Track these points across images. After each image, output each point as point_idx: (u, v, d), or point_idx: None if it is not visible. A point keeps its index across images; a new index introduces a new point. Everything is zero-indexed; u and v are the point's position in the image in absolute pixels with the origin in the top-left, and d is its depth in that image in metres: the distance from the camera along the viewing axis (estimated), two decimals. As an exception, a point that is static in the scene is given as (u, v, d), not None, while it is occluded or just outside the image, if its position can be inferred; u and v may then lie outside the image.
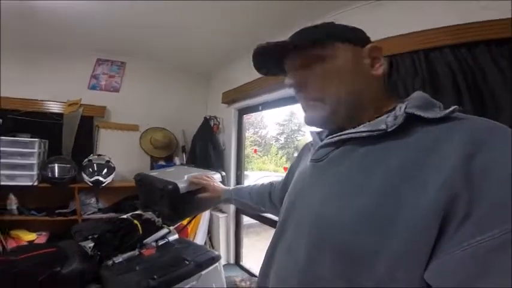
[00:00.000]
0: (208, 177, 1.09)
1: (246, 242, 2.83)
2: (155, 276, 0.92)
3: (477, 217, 0.32)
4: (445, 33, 1.12)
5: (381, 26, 1.34)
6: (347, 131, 0.50)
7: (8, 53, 2.35)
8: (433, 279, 0.35)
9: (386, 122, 0.44)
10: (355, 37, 0.54)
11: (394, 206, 0.38)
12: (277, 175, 6.04)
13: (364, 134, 0.47)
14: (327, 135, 0.55)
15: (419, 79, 1.15)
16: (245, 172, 2.92)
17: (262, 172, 6.54)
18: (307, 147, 0.73)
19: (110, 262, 1.02)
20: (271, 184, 0.97)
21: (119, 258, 1.04)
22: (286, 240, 0.55)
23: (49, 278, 1.02)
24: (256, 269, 2.48)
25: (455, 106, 0.42)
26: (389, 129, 0.43)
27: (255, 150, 7.38)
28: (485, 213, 0.32)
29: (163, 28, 2.14)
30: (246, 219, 2.75)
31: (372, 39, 0.57)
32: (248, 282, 0.86)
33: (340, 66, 0.51)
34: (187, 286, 0.98)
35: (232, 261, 2.71)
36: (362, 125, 0.49)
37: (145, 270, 0.97)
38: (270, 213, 0.98)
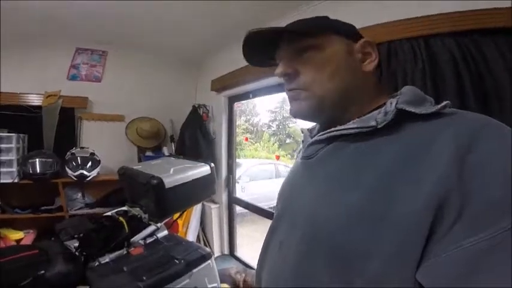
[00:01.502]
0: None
1: (241, 231, 2.83)
2: (144, 278, 0.88)
3: (469, 216, 0.32)
4: (446, 20, 1.07)
5: (379, 10, 1.29)
6: (336, 128, 0.49)
7: None
8: (425, 279, 0.34)
9: (376, 118, 0.44)
10: (348, 31, 0.54)
11: (385, 203, 0.38)
12: (269, 162, 6.04)
13: (353, 131, 0.46)
14: (318, 132, 0.55)
15: (419, 67, 1.09)
16: (237, 160, 2.87)
17: (255, 159, 6.55)
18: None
19: (96, 263, 0.97)
20: None
21: (105, 259, 0.99)
22: (278, 239, 0.55)
23: (32, 282, 0.97)
24: (251, 260, 2.49)
25: (447, 102, 0.41)
26: (379, 126, 0.43)
27: (246, 139, 7.37)
28: (478, 213, 0.32)
29: (146, 15, 2.02)
30: (240, 208, 2.72)
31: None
32: (243, 274, 0.83)
33: (332, 56, 0.51)
34: (178, 286, 0.94)
35: (226, 251, 2.70)
36: (352, 122, 0.48)
37: (133, 271, 0.92)
38: None
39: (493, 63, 0.98)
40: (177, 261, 0.96)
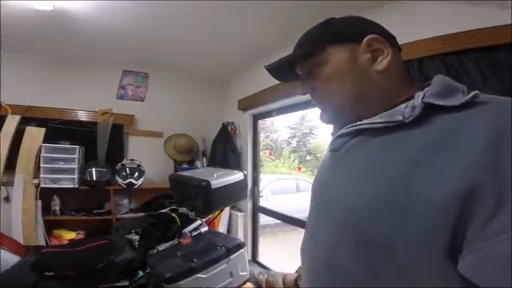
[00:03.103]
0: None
1: (262, 243, 2.88)
2: (195, 260, 1.04)
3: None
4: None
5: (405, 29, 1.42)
6: (363, 122, 0.49)
7: (47, 67, 2.61)
8: (471, 273, 0.32)
9: (403, 112, 0.42)
10: (349, 34, 0.51)
11: (409, 192, 0.37)
12: (290, 177, 6.11)
13: (379, 125, 0.45)
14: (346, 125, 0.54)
15: None
16: (259, 175, 3.02)
17: (275, 175, 6.62)
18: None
19: (155, 251, 1.15)
20: None
21: (161, 247, 1.16)
22: (311, 230, 0.57)
23: (105, 266, 1.15)
24: (272, 266, 2.54)
25: (477, 91, 0.38)
26: (406, 121, 0.41)
27: (270, 153, 7.43)
28: None
29: (180, 40, 2.26)
30: (263, 220, 2.82)
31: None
32: (266, 275, 0.94)
33: (335, 68, 0.51)
34: (217, 270, 1.10)
35: (249, 257, 2.76)
36: (378, 116, 0.47)
37: (185, 256, 1.09)
38: None
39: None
40: (218, 248, 1.13)
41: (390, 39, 0.52)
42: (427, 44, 1.25)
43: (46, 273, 0.97)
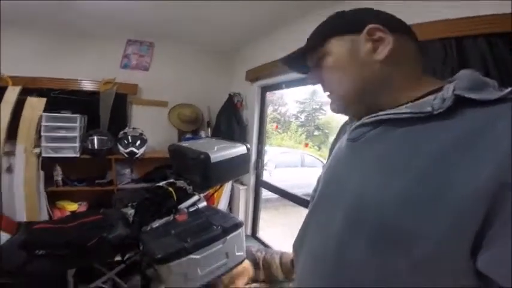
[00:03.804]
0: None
1: (264, 216, 2.87)
2: (188, 239, 0.99)
3: None
4: (480, 22, 1.03)
5: (412, 10, 1.27)
6: (386, 112, 0.46)
7: (51, 38, 2.52)
8: (488, 269, 0.34)
9: (432, 104, 0.41)
10: (350, 26, 0.52)
11: (439, 187, 0.36)
12: (296, 151, 6.06)
13: (405, 116, 0.43)
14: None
15: (449, 66, 1.07)
16: (264, 147, 2.96)
17: (281, 148, 6.59)
18: (344, 128, 0.68)
19: (148, 227, 1.10)
20: None
21: (156, 224, 1.11)
22: (319, 219, 0.56)
23: (97, 243, 1.12)
24: (271, 242, 2.56)
25: None
26: (435, 112, 0.40)
27: (276, 126, 7.34)
28: None
29: (187, 8, 2.12)
30: (265, 193, 2.79)
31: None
32: (264, 252, 0.90)
33: (336, 60, 0.52)
34: (213, 249, 1.05)
35: (248, 232, 2.79)
36: (403, 106, 0.45)
37: (179, 234, 1.04)
38: None
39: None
40: (215, 227, 1.07)
41: (397, 26, 0.51)
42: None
43: (37, 251, 0.93)
